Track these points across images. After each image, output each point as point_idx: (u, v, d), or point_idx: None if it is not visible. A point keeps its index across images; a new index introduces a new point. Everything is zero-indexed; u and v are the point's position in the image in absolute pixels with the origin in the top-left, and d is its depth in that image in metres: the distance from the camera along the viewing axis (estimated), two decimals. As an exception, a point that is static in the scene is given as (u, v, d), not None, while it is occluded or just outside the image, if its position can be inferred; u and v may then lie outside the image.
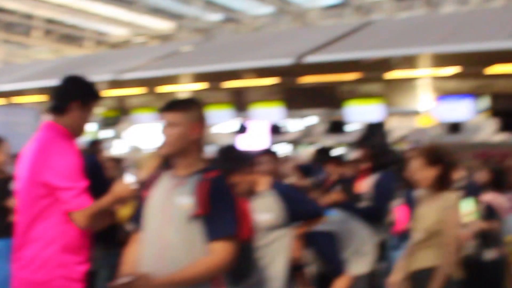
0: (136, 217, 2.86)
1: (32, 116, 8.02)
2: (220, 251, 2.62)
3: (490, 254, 5.28)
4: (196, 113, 2.80)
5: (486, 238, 5.28)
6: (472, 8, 18.23)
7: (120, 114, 16.77)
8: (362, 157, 5.58)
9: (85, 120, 3.21)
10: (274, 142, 16.39)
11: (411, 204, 4.74)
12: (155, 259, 2.67)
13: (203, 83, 14.61)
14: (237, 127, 14.82)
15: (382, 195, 5.24)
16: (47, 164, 2.95)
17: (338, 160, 6.18)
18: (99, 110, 16.15)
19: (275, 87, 13.64)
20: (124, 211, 4.65)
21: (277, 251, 3.61)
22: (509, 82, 10.95)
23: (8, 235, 3.85)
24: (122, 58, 17.04)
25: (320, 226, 3.96)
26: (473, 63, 10.78)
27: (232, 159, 3.52)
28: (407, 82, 12.11)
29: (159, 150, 3.03)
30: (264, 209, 3.54)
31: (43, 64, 19.06)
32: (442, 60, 11.06)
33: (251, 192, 3.58)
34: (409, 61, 11.40)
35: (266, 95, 13.94)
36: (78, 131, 3.19)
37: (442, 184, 4.14)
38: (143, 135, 17.16)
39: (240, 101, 14.42)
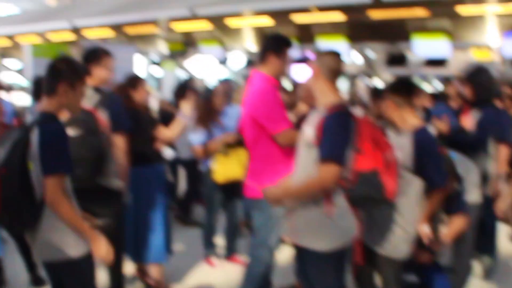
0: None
1: (130, 53, 8.60)
2: (321, 172, 3.03)
3: None
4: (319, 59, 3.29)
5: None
6: None
7: (186, 46, 17.34)
8: (467, 93, 5.92)
9: (282, 66, 3.94)
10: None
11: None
12: (294, 175, 3.33)
13: (269, 17, 15.06)
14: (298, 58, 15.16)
15: (484, 129, 5.69)
16: (256, 103, 3.83)
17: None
18: (166, 45, 16.73)
19: (342, 22, 14.11)
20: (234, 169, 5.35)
21: (409, 197, 3.47)
22: None
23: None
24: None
25: None
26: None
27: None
28: (475, 18, 12.44)
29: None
30: (396, 146, 3.45)
31: (114, 0, 19.49)
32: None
33: (393, 125, 3.69)
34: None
35: (332, 28, 14.31)
36: (277, 75, 3.94)
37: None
38: (207, 66, 17.71)
39: (306, 35, 14.95)
